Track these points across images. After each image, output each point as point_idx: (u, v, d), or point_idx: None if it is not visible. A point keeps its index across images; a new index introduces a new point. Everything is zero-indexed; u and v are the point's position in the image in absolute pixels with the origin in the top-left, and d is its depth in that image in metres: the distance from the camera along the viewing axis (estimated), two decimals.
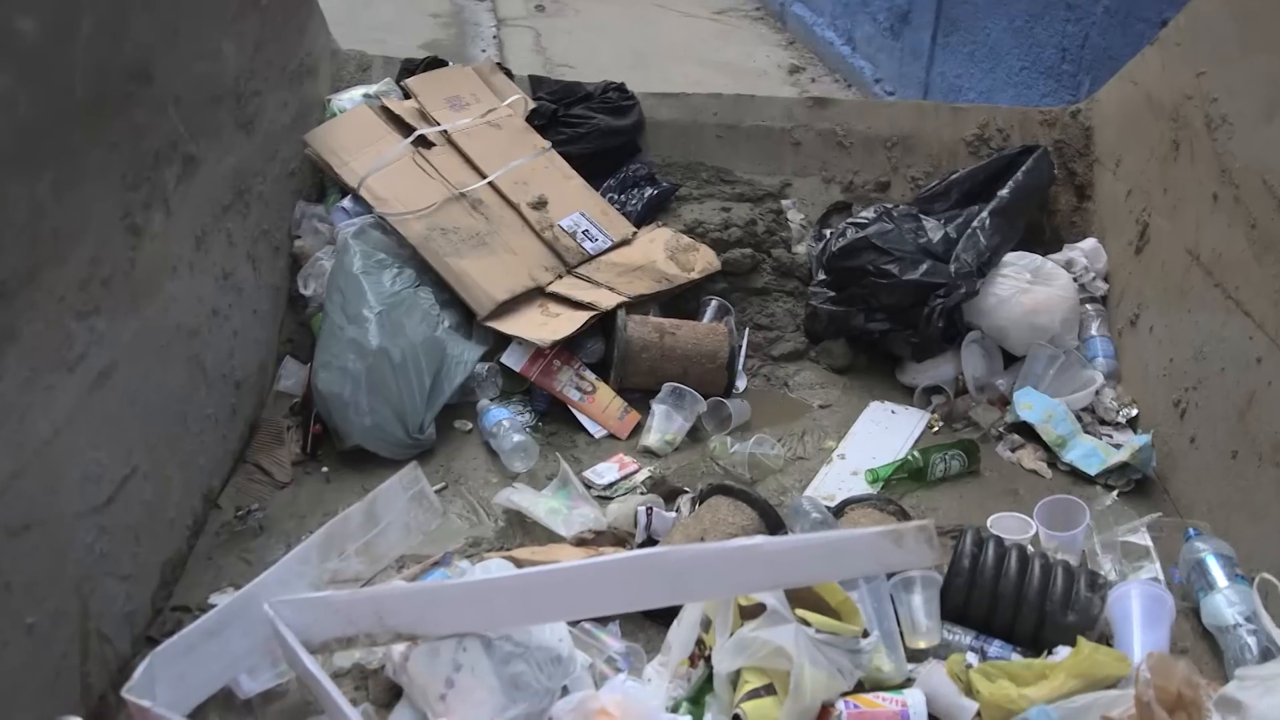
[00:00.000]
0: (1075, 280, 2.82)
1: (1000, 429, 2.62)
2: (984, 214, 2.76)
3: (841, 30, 6.24)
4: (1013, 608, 1.85)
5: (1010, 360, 2.79)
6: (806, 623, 1.62)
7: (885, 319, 2.75)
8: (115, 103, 1.81)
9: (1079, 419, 2.58)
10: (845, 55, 6.11)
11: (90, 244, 1.75)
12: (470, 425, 2.55)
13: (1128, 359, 2.73)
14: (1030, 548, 2.03)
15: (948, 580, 1.89)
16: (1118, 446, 2.50)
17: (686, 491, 2.27)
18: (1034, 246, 2.90)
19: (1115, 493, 2.37)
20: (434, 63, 3.23)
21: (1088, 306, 2.85)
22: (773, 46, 6.88)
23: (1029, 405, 2.58)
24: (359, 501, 1.97)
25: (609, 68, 6.06)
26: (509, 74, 3.27)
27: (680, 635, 1.76)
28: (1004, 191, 2.80)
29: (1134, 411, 2.62)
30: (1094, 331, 2.81)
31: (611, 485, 2.37)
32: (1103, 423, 2.63)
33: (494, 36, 6.57)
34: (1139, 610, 1.83)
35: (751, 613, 1.66)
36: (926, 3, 4.98)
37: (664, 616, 1.85)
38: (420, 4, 7.01)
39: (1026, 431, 2.58)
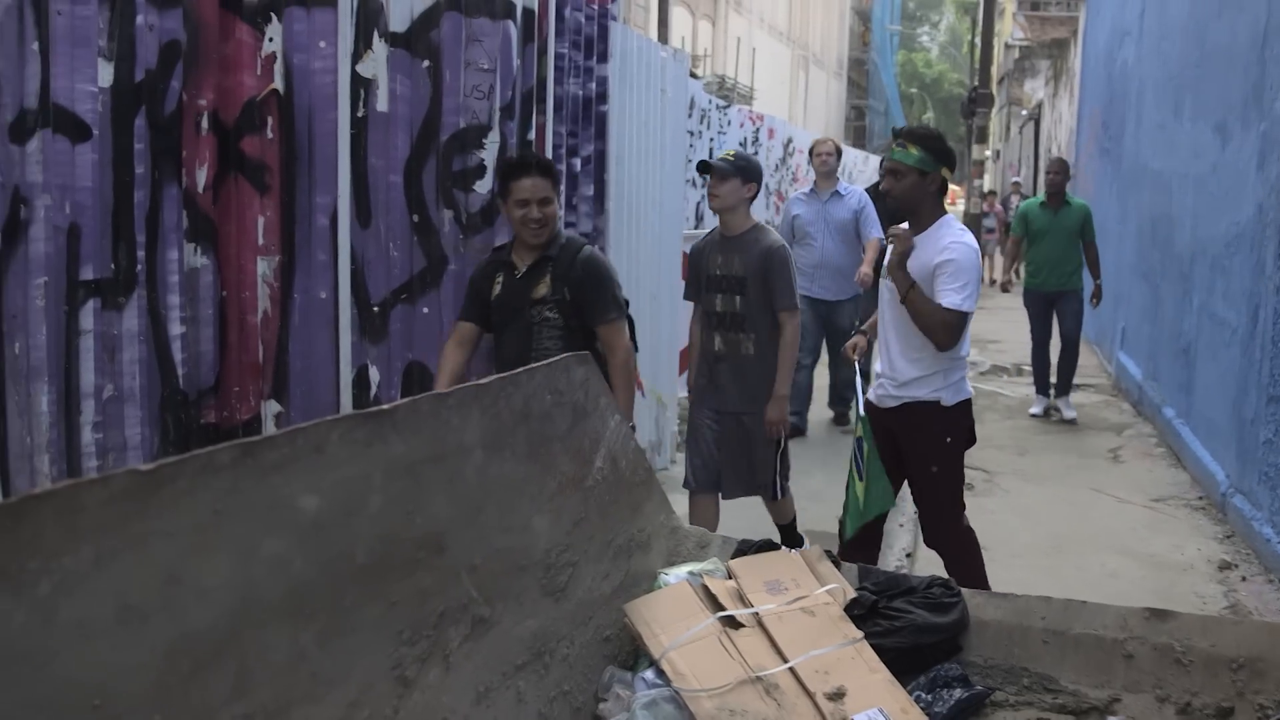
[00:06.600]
0: None
1: None
2: None
3: (1279, 527, 5.60)
4: None
5: None
6: None
7: None
8: (400, 568, 2.11)
9: None
10: None
11: (352, 689, 1.98)
12: None
13: None
14: None
15: None
16: None
17: None
18: None
19: None
20: (767, 545, 3.38)
21: None
22: (1207, 539, 6.29)
23: None
24: None
25: (1022, 553, 5.89)
26: (836, 562, 3.33)
27: None
28: None
29: None
30: None
31: None
32: None
33: (913, 513, 6.63)
34: None
35: None
36: None
37: None
38: None
39: None
